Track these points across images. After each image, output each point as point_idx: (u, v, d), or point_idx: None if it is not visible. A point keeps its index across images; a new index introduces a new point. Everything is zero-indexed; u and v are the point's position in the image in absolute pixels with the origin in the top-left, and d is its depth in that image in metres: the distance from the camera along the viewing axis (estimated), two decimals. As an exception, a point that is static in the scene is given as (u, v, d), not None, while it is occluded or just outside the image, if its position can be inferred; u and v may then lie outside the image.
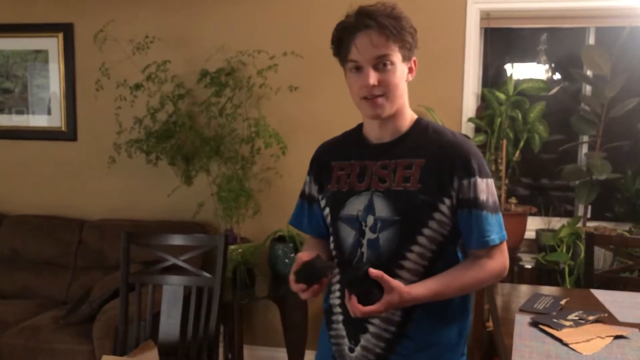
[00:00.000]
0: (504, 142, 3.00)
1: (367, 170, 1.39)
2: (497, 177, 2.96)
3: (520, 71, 3.35)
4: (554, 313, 1.92)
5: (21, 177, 3.65)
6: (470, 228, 1.34)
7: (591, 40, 3.19)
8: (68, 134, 3.54)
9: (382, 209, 1.35)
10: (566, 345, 1.67)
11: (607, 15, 3.09)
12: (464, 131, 3.13)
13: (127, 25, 3.34)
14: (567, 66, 3.25)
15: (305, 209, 1.56)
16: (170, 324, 2.31)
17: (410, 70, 1.37)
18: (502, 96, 3.04)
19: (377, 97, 1.32)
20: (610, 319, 1.89)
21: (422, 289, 1.30)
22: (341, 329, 1.44)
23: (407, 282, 1.31)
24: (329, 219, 1.47)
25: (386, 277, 1.25)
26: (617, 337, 1.73)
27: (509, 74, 3.15)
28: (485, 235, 1.33)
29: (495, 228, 1.34)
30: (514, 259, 2.91)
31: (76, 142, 3.54)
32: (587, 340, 1.69)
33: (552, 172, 3.35)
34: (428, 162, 1.33)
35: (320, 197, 1.51)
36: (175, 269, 2.36)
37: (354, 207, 1.39)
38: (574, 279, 2.86)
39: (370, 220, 1.36)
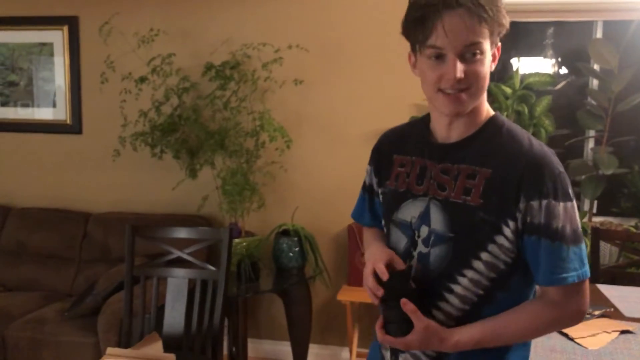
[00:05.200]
0: (510, 136, 2.98)
1: (427, 171, 1.20)
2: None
3: (527, 65, 3.33)
4: (560, 308, 1.91)
5: (26, 170, 3.65)
6: (537, 260, 1.11)
7: (599, 34, 3.17)
8: (73, 127, 3.54)
9: (437, 221, 1.16)
10: (572, 339, 1.67)
11: (615, 8, 3.06)
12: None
13: (132, 18, 3.33)
14: (573, 60, 3.23)
15: (366, 201, 1.39)
16: (174, 317, 2.32)
17: (493, 57, 1.14)
18: (508, 90, 3.02)
19: (460, 92, 1.10)
20: (616, 314, 1.88)
21: (466, 336, 1.13)
22: None
23: (456, 310, 1.15)
24: (382, 219, 1.32)
25: (420, 315, 1.11)
26: (623, 331, 1.72)
27: (515, 68, 3.13)
28: (558, 272, 1.09)
29: (574, 264, 1.09)
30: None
31: (81, 135, 3.54)
32: (593, 335, 1.69)
33: (558, 167, 3.34)
34: (495, 173, 1.11)
35: (379, 192, 1.34)
36: (179, 262, 2.36)
37: (408, 212, 1.21)
38: (580, 274, 2.85)
39: (424, 231, 1.18)
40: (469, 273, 1.13)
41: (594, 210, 3.15)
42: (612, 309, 1.91)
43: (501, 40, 1.16)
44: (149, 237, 2.40)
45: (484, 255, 1.12)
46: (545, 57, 3.35)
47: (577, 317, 1.15)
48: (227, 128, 3.12)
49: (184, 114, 3.16)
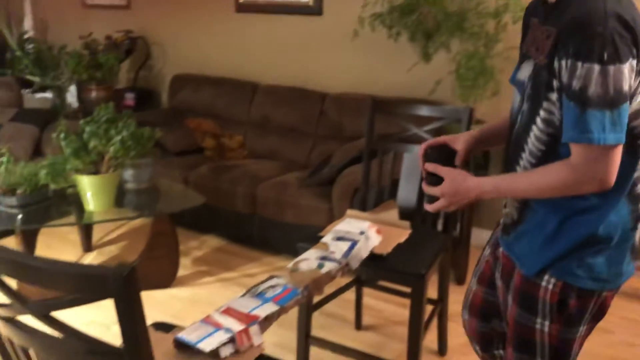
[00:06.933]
0: None
1: (536, 33, 1.27)
2: None
3: None
4: None
5: (272, 50, 3.95)
6: (562, 117, 1.17)
7: None
8: (314, 8, 3.68)
9: (529, 79, 1.26)
10: None
11: None
12: None
13: None
14: None
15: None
16: (408, 191, 2.39)
17: None
18: None
19: None
20: None
21: (487, 179, 1.31)
22: None
23: (526, 163, 1.28)
24: None
25: (441, 167, 1.35)
26: None
27: None
28: (569, 129, 1.14)
29: (588, 125, 1.10)
30: None
31: (322, 16, 3.68)
32: None
33: None
34: (559, 34, 1.16)
35: None
36: (416, 139, 2.40)
37: (523, 72, 1.31)
38: None
39: (529, 88, 1.26)
40: (534, 128, 1.24)
41: None
42: None
43: None
44: (388, 112, 2.47)
45: (542, 113, 1.22)
46: None
47: (593, 183, 1.15)
48: (468, 9, 2.97)
49: (424, -7, 3.07)
